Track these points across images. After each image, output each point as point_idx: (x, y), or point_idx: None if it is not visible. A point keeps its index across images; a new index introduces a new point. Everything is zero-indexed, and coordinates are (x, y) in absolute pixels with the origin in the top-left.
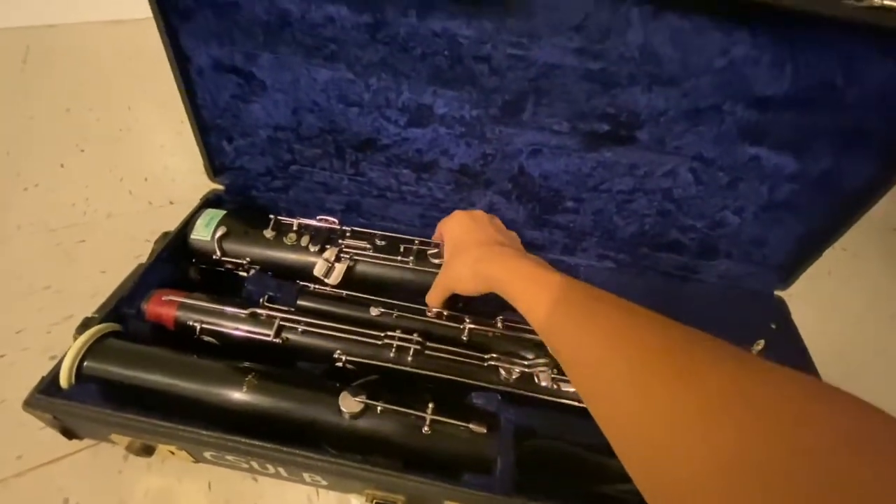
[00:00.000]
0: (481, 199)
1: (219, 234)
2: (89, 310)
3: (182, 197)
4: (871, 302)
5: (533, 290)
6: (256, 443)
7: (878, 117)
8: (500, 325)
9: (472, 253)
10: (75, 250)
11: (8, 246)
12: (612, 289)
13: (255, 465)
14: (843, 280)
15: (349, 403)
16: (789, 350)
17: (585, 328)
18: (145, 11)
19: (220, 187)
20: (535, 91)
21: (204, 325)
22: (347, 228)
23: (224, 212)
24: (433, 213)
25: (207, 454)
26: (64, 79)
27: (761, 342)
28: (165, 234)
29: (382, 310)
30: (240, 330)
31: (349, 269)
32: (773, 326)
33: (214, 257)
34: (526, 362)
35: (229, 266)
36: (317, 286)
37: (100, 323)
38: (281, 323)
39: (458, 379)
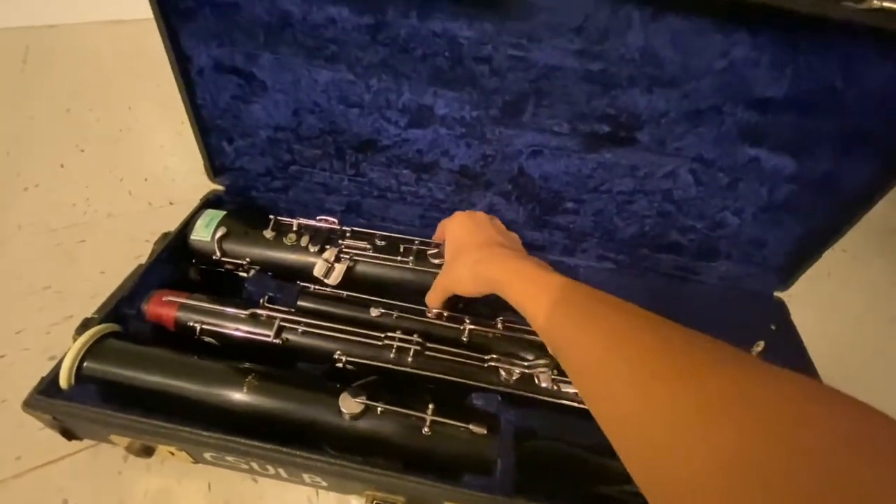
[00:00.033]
0: (481, 199)
1: (219, 234)
2: (89, 310)
3: (182, 197)
4: (870, 303)
5: (533, 291)
6: (256, 443)
7: (878, 119)
8: (500, 325)
9: (473, 254)
10: (75, 250)
11: (8, 246)
12: (612, 290)
13: (254, 465)
14: (842, 281)
15: (349, 404)
16: (789, 351)
17: (585, 329)
18: (146, 12)
19: (221, 188)
20: (535, 92)
21: (204, 326)
22: (347, 229)
23: (224, 212)
24: (433, 214)
25: (207, 455)
26: (64, 79)
27: (761, 343)
28: (165, 234)
29: (382, 310)
30: (240, 331)
31: (349, 270)
32: (773, 327)
33: (214, 258)
34: (526, 363)
35: (229, 266)
36: (317, 287)
37: (100, 323)
38: (281, 324)
39: (459, 380)
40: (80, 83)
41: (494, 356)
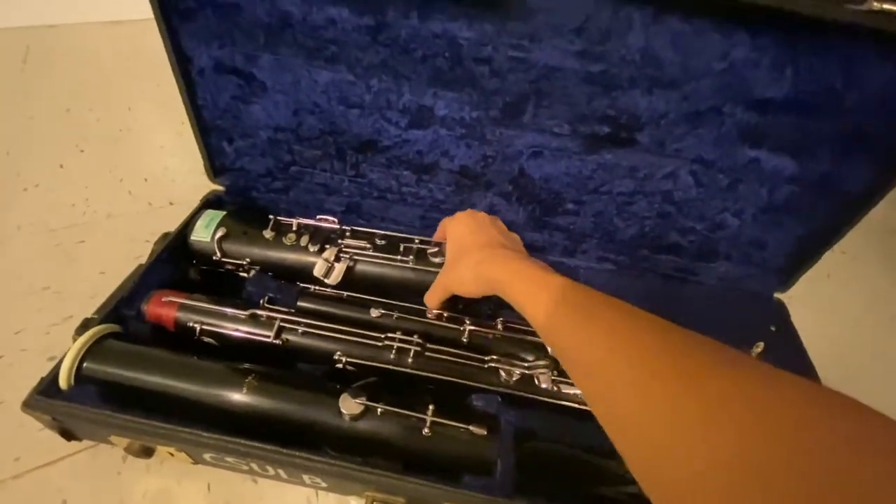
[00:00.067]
0: (481, 200)
1: (218, 234)
2: (89, 311)
3: (182, 198)
4: (870, 304)
5: (534, 291)
6: (256, 444)
7: (878, 121)
8: (500, 326)
9: (475, 255)
10: (75, 251)
11: (7, 246)
12: (612, 291)
13: (254, 466)
14: (842, 282)
15: (349, 405)
16: (789, 352)
17: (586, 330)
18: (146, 12)
19: (221, 188)
20: (535, 93)
21: (204, 327)
22: (347, 228)
23: (224, 212)
24: (434, 215)
25: (207, 456)
26: (64, 79)
27: (761, 344)
28: (165, 234)
29: (383, 311)
30: (240, 331)
31: (349, 269)
32: (773, 329)
33: (214, 258)
34: (526, 364)
35: (229, 267)
36: (317, 287)
37: (99, 324)
38: (281, 324)
39: (459, 381)
40: (80, 83)
41: (494, 357)
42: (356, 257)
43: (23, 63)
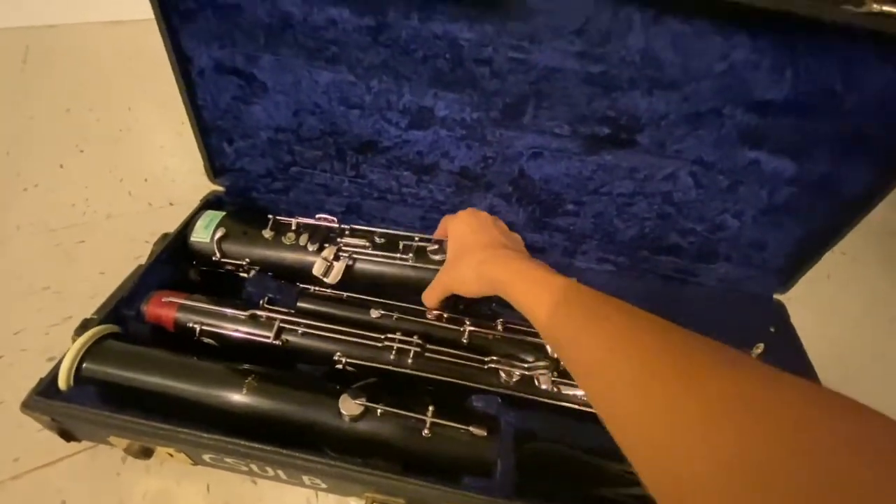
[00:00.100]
0: (482, 201)
1: (218, 235)
2: (88, 311)
3: (182, 198)
4: (869, 306)
5: (536, 292)
6: (256, 445)
7: (877, 123)
8: (500, 327)
9: (477, 255)
10: (75, 251)
11: (7, 246)
12: (612, 292)
13: (254, 467)
14: (842, 284)
15: (349, 406)
16: (788, 353)
17: (587, 330)
18: (146, 12)
19: (221, 188)
20: (535, 94)
21: (204, 327)
22: (346, 227)
23: (223, 213)
24: (434, 216)
25: (206, 456)
26: (64, 79)
27: (760, 346)
28: (165, 235)
29: (382, 312)
30: (239, 332)
31: (348, 268)
32: (773, 330)
33: (214, 259)
34: (526, 365)
35: (229, 267)
36: (317, 288)
37: (99, 324)
38: (281, 325)
39: (459, 381)
40: (80, 83)
41: (494, 358)
42: (355, 256)
43: (23, 63)
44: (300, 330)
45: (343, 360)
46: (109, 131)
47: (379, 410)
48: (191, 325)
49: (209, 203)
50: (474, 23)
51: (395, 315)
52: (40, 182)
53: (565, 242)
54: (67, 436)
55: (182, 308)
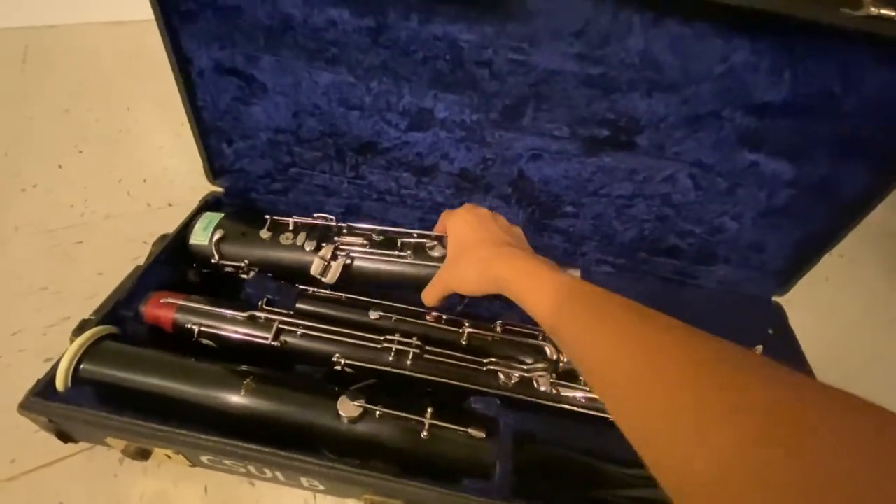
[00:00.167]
0: (481, 203)
1: (216, 237)
2: (87, 312)
3: (181, 199)
4: (868, 308)
5: (539, 289)
6: (254, 447)
7: (876, 125)
8: (499, 329)
9: (479, 254)
10: (73, 251)
11: (5, 247)
12: None
13: (252, 469)
14: (840, 286)
15: (348, 407)
16: (786, 355)
17: (591, 328)
18: (146, 13)
19: (220, 189)
20: (535, 96)
21: (202, 328)
22: (344, 225)
23: (222, 214)
24: (433, 217)
25: (204, 458)
26: (63, 79)
27: (759, 348)
28: (164, 236)
29: (381, 313)
30: (238, 333)
31: (346, 267)
32: (771, 332)
33: (213, 261)
34: (525, 367)
35: (229, 270)
36: (316, 290)
37: (97, 325)
38: (280, 326)
39: (457, 383)
40: (79, 84)
41: (493, 360)
42: (353, 254)
43: (22, 63)
44: (299, 331)
45: (342, 361)
46: (109, 132)
47: (377, 412)
48: (189, 326)
49: (208, 204)
50: (474, 24)
51: (394, 316)
52: (39, 182)
53: (565, 244)
54: (65, 437)
55: (180, 309)
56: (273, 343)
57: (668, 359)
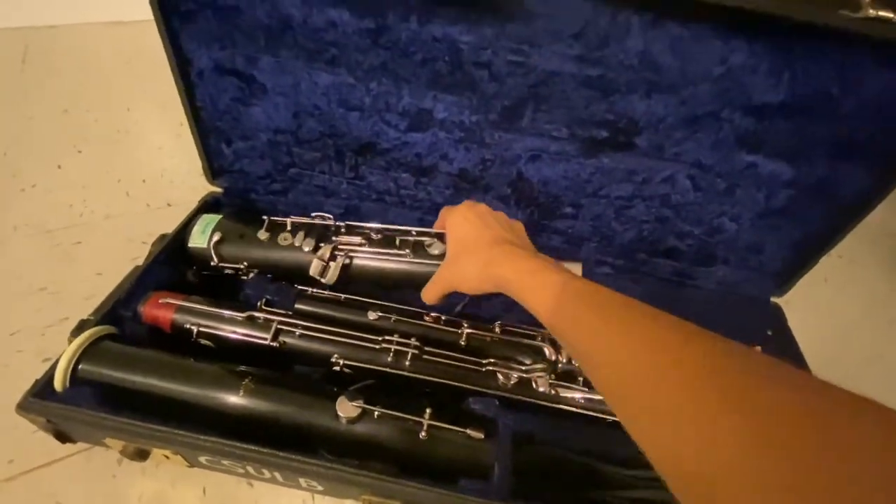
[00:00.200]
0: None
1: (215, 239)
2: (85, 312)
3: (180, 199)
4: (867, 308)
5: (540, 288)
6: (252, 447)
7: (874, 127)
8: (497, 330)
9: (481, 253)
10: (72, 252)
11: (4, 247)
12: None
13: (250, 469)
14: (839, 286)
15: (346, 408)
16: (785, 356)
17: (593, 327)
18: (146, 13)
19: (219, 190)
20: (534, 97)
21: (201, 329)
22: (342, 224)
23: (220, 216)
24: (432, 218)
25: (202, 459)
26: (63, 79)
27: (757, 349)
28: (163, 236)
29: (380, 314)
30: (237, 333)
31: (345, 267)
32: (770, 333)
33: (212, 263)
34: (524, 367)
35: (229, 272)
36: (315, 290)
37: (96, 325)
38: (278, 326)
39: (456, 384)
40: (79, 84)
41: (492, 360)
42: (351, 254)
43: (22, 63)
44: (298, 332)
45: (340, 361)
46: (108, 132)
47: (376, 413)
48: (188, 326)
49: (207, 204)
50: (473, 26)
51: (393, 317)
52: (38, 182)
53: (564, 245)
54: (63, 437)
55: (179, 309)
56: (272, 343)
57: (672, 358)
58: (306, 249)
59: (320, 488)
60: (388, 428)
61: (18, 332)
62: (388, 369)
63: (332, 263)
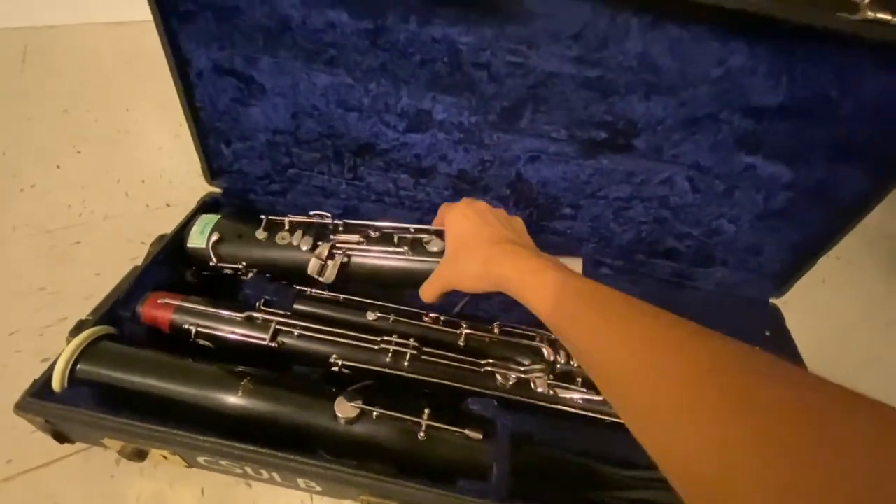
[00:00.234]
0: None
1: (213, 239)
2: (84, 312)
3: (179, 199)
4: (865, 310)
5: (541, 287)
6: (250, 448)
7: (873, 129)
8: (496, 330)
9: (481, 252)
10: (71, 252)
11: (3, 247)
12: None
13: (248, 470)
14: (837, 288)
15: (345, 408)
16: (783, 357)
17: (594, 326)
18: (145, 13)
19: (218, 190)
20: (533, 98)
21: (199, 329)
22: (340, 222)
23: (218, 216)
24: (431, 219)
25: (201, 459)
26: (62, 80)
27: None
28: (162, 236)
29: (379, 314)
30: (235, 334)
31: (343, 265)
32: (768, 334)
33: (211, 263)
34: (522, 368)
35: (227, 272)
36: (314, 290)
37: (94, 325)
38: (277, 327)
39: (455, 384)
40: (78, 84)
41: (491, 361)
42: (349, 252)
43: (21, 63)
44: (296, 332)
45: (339, 362)
46: (107, 132)
47: (375, 413)
48: (186, 326)
49: (206, 205)
50: (473, 27)
51: (392, 318)
52: (37, 183)
53: (562, 246)
54: (61, 437)
55: (178, 310)
56: (270, 344)
57: (672, 356)
58: (304, 248)
59: (319, 489)
60: (387, 428)
61: (17, 332)
62: (386, 370)
63: (329, 262)
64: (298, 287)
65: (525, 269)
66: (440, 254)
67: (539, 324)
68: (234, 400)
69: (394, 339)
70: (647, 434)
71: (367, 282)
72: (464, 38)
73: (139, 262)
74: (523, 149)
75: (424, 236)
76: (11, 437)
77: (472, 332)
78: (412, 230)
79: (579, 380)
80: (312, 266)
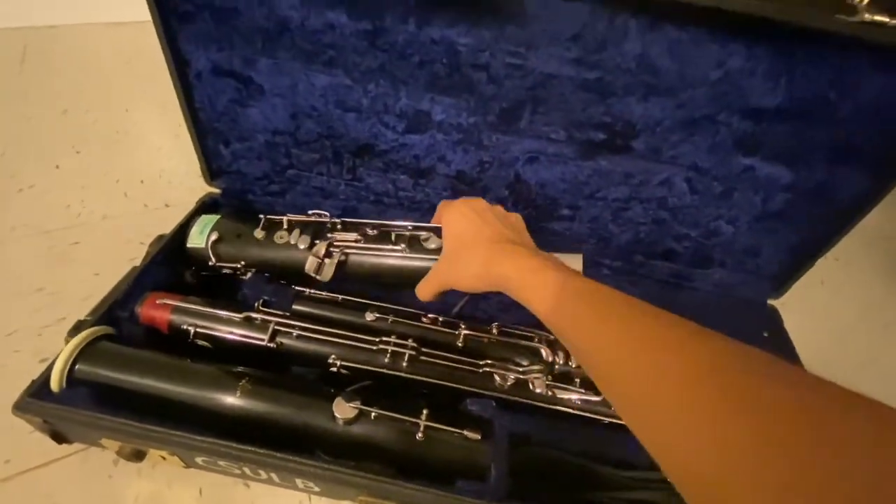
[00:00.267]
0: None
1: (212, 239)
2: (82, 312)
3: (178, 200)
4: (863, 311)
5: (541, 287)
6: (249, 448)
7: (871, 130)
8: (495, 331)
9: (481, 251)
10: (70, 252)
11: (2, 247)
12: None
13: (247, 470)
14: (835, 289)
15: (343, 409)
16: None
17: (594, 326)
18: (145, 14)
19: (217, 191)
20: (532, 99)
21: (198, 329)
22: (338, 221)
23: (217, 217)
24: (430, 220)
25: (199, 459)
26: (62, 80)
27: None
28: (160, 237)
29: (378, 315)
30: (234, 334)
31: (341, 263)
32: (766, 335)
33: (210, 264)
34: (521, 369)
35: (227, 272)
36: (312, 290)
37: (93, 326)
38: (275, 327)
39: (453, 385)
40: (77, 84)
41: (489, 361)
42: (347, 251)
43: (21, 63)
44: (295, 333)
45: (337, 363)
46: (106, 133)
47: (373, 414)
48: (185, 327)
49: (205, 205)
50: (472, 28)
51: (391, 318)
52: (36, 183)
53: (561, 247)
54: (59, 438)
55: (176, 310)
56: (269, 344)
57: (672, 357)
58: (302, 247)
59: (317, 489)
60: (385, 429)
61: (16, 332)
62: (385, 370)
63: (327, 260)
64: (297, 287)
65: (525, 269)
66: (438, 251)
67: (537, 324)
68: (232, 400)
69: (392, 339)
70: (647, 434)
71: (365, 280)
72: (463, 40)
73: (138, 262)
74: (522, 150)
75: (422, 234)
76: (10, 438)
77: (471, 332)
78: (409, 228)
79: (577, 380)
80: (310, 264)
